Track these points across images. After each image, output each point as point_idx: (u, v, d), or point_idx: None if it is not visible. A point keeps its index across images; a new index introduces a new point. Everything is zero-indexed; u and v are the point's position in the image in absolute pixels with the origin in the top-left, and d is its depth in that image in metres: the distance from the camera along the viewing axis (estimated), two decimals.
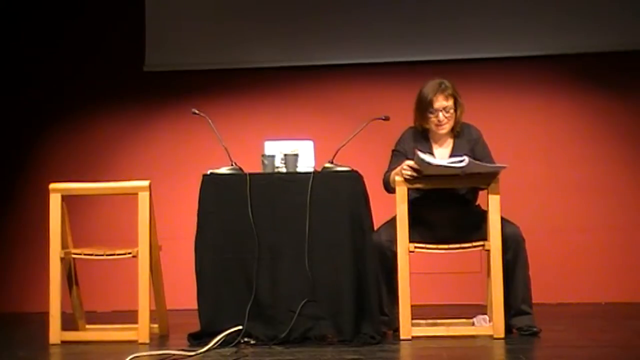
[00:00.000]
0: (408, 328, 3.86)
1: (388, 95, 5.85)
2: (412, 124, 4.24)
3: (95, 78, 6.33)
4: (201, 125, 4.46)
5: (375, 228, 4.04)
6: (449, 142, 4.18)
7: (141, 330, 3.99)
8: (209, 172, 4.03)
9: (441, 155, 4.11)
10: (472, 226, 4.03)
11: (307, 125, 5.94)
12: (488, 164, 3.96)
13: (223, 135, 4.12)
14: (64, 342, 4.03)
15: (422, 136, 4.20)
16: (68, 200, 4.15)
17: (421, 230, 4.03)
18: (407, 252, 3.87)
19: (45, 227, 4.10)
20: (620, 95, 5.96)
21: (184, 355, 3.51)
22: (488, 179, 3.90)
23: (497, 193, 3.88)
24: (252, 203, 3.91)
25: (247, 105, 6.20)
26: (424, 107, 4.11)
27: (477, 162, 3.87)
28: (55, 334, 4.03)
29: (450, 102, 4.09)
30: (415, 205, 4.00)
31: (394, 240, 3.92)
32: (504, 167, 3.89)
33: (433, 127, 4.14)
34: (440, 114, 4.09)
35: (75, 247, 4.21)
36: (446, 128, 4.12)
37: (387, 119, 4.15)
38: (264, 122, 6.09)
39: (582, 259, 5.82)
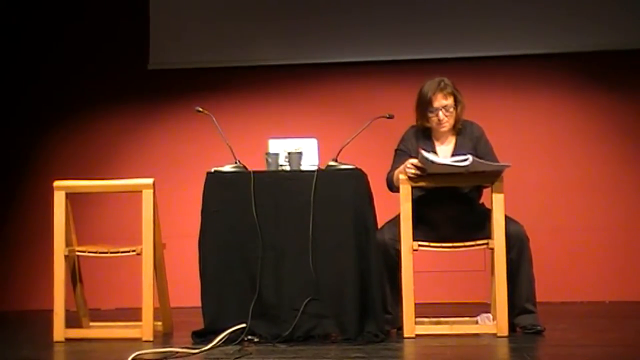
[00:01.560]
0: (412, 326, 3.86)
1: (392, 93, 5.84)
2: (415, 123, 4.24)
3: (100, 76, 6.34)
4: (205, 123, 4.46)
5: (379, 226, 4.04)
6: (451, 140, 4.18)
7: (145, 327, 3.99)
8: (213, 170, 4.03)
9: (444, 153, 4.11)
10: (476, 224, 4.03)
11: (311, 124, 5.95)
12: (492, 163, 3.96)
13: (227, 133, 4.12)
14: (68, 340, 4.03)
15: (424, 135, 4.19)
16: (72, 198, 4.16)
17: (425, 228, 4.02)
18: (410, 251, 3.87)
19: (50, 225, 4.11)
20: (624, 94, 5.96)
21: (188, 353, 3.50)
22: (492, 177, 3.90)
23: (501, 192, 3.88)
24: (256, 201, 3.91)
25: (251, 103, 6.21)
26: (424, 106, 4.11)
27: (481, 160, 3.87)
28: (60, 331, 4.04)
29: (450, 101, 4.09)
30: (418, 204, 3.99)
31: (397, 239, 3.92)
32: (507, 166, 3.89)
33: (434, 125, 4.13)
34: (441, 113, 4.09)
35: (79, 244, 4.21)
36: (447, 126, 4.12)
37: (391, 117, 4.15)
38: (268, 120, 6.09)
39: (586, 257, 5.82)
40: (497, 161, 4.04)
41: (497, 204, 3.87)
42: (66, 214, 4.09)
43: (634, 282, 5.71)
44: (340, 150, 4.02)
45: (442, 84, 4.10)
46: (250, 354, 3.49)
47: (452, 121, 4.12)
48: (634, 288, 5.69)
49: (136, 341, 3.94)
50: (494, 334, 3.85)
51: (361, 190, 3.93)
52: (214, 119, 4.15)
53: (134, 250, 4.06)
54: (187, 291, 4.29)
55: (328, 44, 6.11)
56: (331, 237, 3.85)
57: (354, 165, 3.99)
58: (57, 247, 4.07)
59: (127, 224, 5.18)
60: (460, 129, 4.16)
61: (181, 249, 4.70)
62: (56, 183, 4.14)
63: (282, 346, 3.67)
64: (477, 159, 3.84)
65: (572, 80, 6.01)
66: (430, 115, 4.11)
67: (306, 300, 3.81)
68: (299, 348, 3.61)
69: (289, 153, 4.05)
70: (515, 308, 3.96)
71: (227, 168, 4.03)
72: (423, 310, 4.06)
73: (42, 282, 5.45)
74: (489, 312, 4.14)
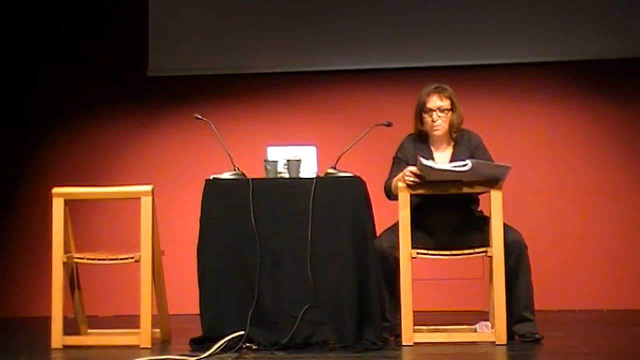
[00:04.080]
0: (410, 334, 3.86)
1: (391, 101, 5.85)
2: (412, 131, 4.24)
3: (98, 83, 6.34)
4: (204, 130, 4.45)
5: (378, 234, 4.04)
6: (449, 148, 4.18)
7: (143, 335, 3.98)
8: (211, 177, 4.03)
9: (441, 161, 4.11)
10: (474, 232, 4.03)
11: (310, 131, 5.95)
12: (491, 163, 3.96)
13: (226, 141, 4.12)
14: (65, 347, 4.03)
15: (422, 142, 4.20)
16: (71, 204, 4.16)
17: (423, 236, 4.03)
18: (409, 258, 3.87)
19: (48, 231, 4.11)
20: (622, 101, 5.97)
21: None
22: (491, 184, 3.89)
23: (499, 199, 3.88)
24: (255, 208, 3.91)
25: (250, 111, 6.21)
26: (419, 108, 4.13)
27: (480, 161, 3.86)
28: (57, 338, 4.03)
29: (444, 102, 4.09)
30: (416, 211, 3.99)
31: (396, 246, 3.92)
32: (508, 167, 3.87)
33: (428, 127, 4.13)
34: (434, 114, 4.09)
35: (77, 251, 4.21)
36: (440, 129, 4.12)
37: (389, 125, 4.15)
38: (267, 127, 6.09)
39: (584, 265, 5.82)
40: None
41: (496, 211, 3.87)
42: (65, 221, 4.08)
43: (633, 290, 5.71)
44: (339, 157, 4.02)
45: (440, 87, 4.13)
46: None
47: (446, 125, 4.12)
48: (632, 296, 5.68)
49: (134, 348, 3.94)
50: (493, 342, 3.84)
51: (360, 197, 3.93)
52: (212, 126, 4.16)
53: (132, 257, 4.06)
54: (186, 298, 4.28)
55: (327, 52, 6.12)
56: (330, 244, 3.84)
57: (352, 172, 3.99)
58: (55, 254, 4.07)
59: (125, 231, 5.19)
60: (457, 137, 4.16)
61: (180, 255, 4.69)
62: (55, 190, 4.13)
63: (281, 353, 3.66)
64: (477, 160, 3.84)
65: (571, 88, 6.02)
66: (425, 116, 4.12)
67: (304, 308, 3.80)
68: (297, 355, 3.60)
69: (287, 160, 4.05)
70: (514, 316, 3.96)
71: (226, 175, 4.03)
72: (421, 318, 4.05)
73: (40, 289, 5.44)
74: (488, 320, 4.13)
